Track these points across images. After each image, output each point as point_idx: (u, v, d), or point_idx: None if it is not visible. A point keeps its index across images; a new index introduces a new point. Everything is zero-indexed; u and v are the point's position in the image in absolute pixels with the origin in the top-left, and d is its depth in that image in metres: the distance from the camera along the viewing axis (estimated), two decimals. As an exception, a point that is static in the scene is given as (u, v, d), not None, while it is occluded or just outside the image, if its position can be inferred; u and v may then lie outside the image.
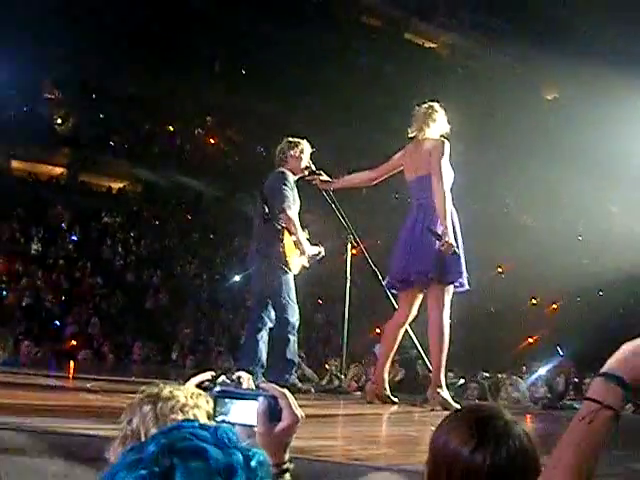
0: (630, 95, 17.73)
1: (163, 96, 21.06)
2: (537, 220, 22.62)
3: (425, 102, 5.54)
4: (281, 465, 1.57)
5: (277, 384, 1.66)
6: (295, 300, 5.84)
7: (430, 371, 5.50)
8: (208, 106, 22.32)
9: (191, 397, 1.83)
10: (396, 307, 5.61)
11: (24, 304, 13.39)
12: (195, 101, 21.59)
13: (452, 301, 5.25)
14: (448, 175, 5.26)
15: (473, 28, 25.82)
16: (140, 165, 20.89)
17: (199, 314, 15.34)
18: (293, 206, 5.84)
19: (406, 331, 5.69)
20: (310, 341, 13.99)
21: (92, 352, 11.94)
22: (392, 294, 5.72)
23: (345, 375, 7.16)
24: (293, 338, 5.79)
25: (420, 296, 5.40)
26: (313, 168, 6.00)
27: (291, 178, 5.91)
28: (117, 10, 18.75)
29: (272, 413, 1.57)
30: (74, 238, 17.09)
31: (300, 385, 5.88)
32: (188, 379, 2.03)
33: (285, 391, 1.61)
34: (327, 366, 9.51)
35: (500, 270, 18.89)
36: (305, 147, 6.03)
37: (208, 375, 2.05)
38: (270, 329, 5.87)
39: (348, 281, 6.36)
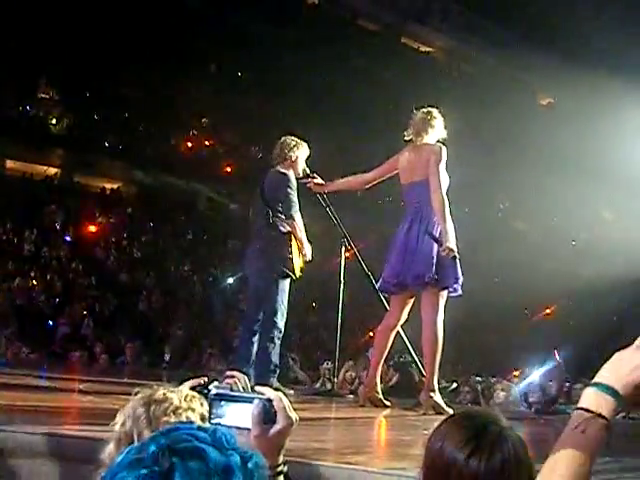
0: (625, 101, 17.78)
1: (158, 97, 21.02)
2: (531, 225, 22.68)
3: (423, 107, 5.54)
4: (275, 468, 1.58)
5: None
6: (287, 305, 5.81)
7: (423, 375, 5.51)
8: (203, 107, 22.28)
9: (185, 399, 1.83)
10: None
11: (17, 304, 13.33)
12: (190, 102, 21.56)
13: (445, 305, 5.27)
14: (444, 180, 5.27)
15: (469, 32, 25.88)
16: (135, 166, 20.84)
17: (192, 316, 15.30)
18: (299, 211, 5.81)
19: (400, 335, 5.69)
20: (303, 344, 13.99)
21: (85, 353, 11.88)
22: (384, 297, 5.73)
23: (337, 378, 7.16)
24: (278, 342, 5.74)
25: (411, 301, 5.41)
26: (308, 171, 5.98)
27: (294, 180, 5.86)
28: (112, 10, 18.73)
29: (267, 416, 1.58)
30: (68, 239, 17.04)
31: (283, 389, 5.86)
32: (181, 382, 2.03)
33: (280, 394, 1.61)
34: (320, 369, 9.49)
35: (493, 275, 18.90)
36: (305, 148, 6.01)
37: (201, 380, 2.05)
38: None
39: (342, 284, 6.36)
